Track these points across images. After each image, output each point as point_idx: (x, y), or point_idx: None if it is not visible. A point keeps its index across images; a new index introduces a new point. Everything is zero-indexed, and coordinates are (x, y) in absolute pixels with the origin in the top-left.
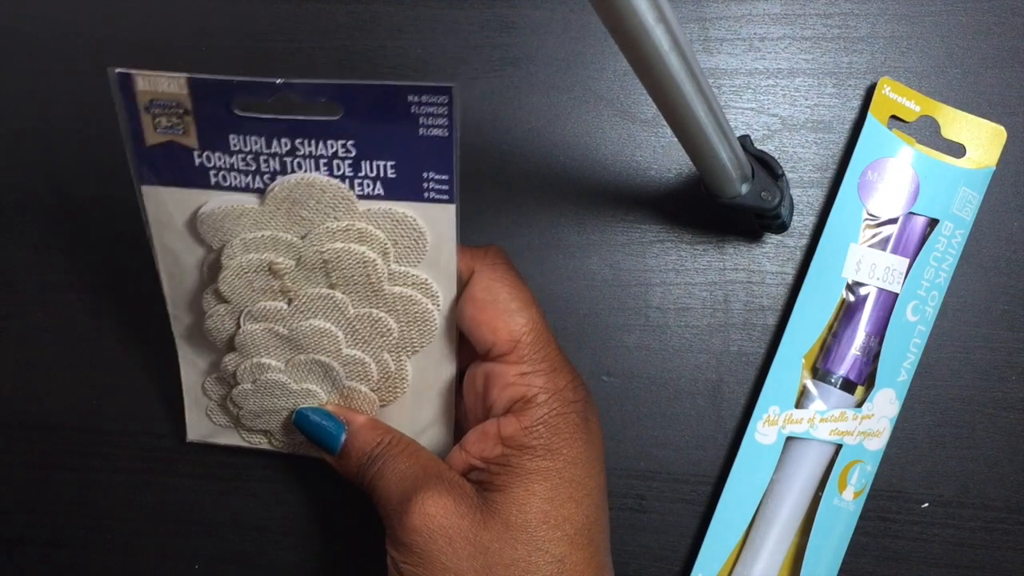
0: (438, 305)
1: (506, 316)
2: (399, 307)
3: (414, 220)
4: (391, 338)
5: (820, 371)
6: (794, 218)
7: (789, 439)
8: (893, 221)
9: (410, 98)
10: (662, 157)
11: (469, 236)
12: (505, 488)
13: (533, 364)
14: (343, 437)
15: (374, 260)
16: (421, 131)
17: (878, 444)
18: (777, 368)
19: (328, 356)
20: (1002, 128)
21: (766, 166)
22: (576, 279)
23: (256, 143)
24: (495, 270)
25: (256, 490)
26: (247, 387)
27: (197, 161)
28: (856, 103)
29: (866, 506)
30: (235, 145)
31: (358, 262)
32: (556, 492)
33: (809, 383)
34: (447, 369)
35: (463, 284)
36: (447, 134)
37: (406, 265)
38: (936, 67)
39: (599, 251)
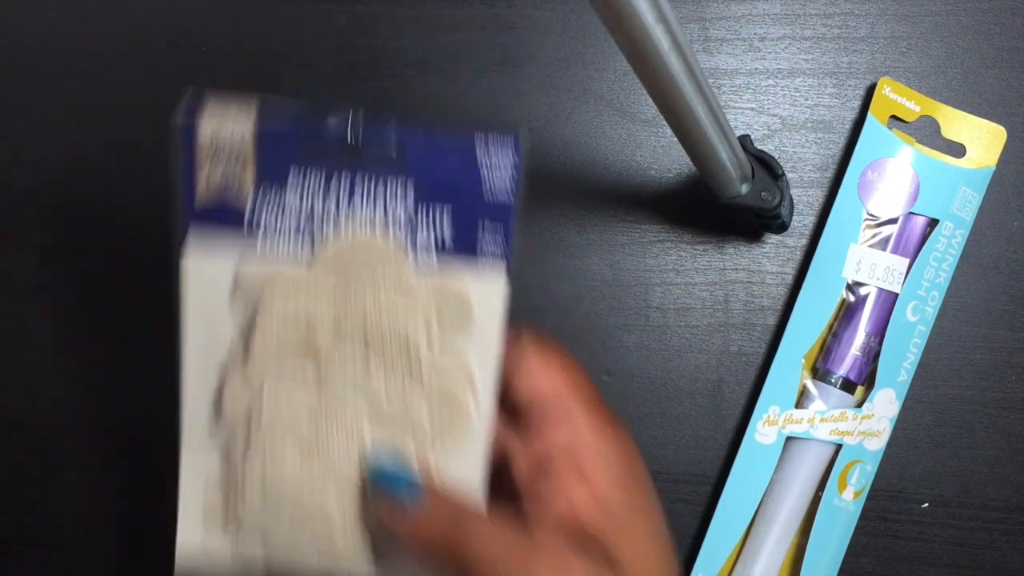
0: (477, 404)
1: (564, 367)
2: (436, 400)
3: (466, 296)
4: (421, 433)
5: (820, 371)
6: (794, 218)
7: (789, 439)
8: (893, 221)
9: (478, 150)
10: (662, 157)
11: None
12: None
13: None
14: (424, 495)
15: (418, 345)
16: (486, 196)
17: (878, 444)
18: (777, 368)
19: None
20: (1002, 128)
21: (766, 166)
22: (576, 279)
23: (308, 200)
24: (553, 348)
25: None
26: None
27: (247, 219)
28: (856, 103)
29: (866, 506)
30: (290, 201)
31: (402, 346)
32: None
33: (809, 383)
34: (476, 472)
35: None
36: (510, 201)
37: (449, 352)
38: (936, 67)
39: (599, 251)
